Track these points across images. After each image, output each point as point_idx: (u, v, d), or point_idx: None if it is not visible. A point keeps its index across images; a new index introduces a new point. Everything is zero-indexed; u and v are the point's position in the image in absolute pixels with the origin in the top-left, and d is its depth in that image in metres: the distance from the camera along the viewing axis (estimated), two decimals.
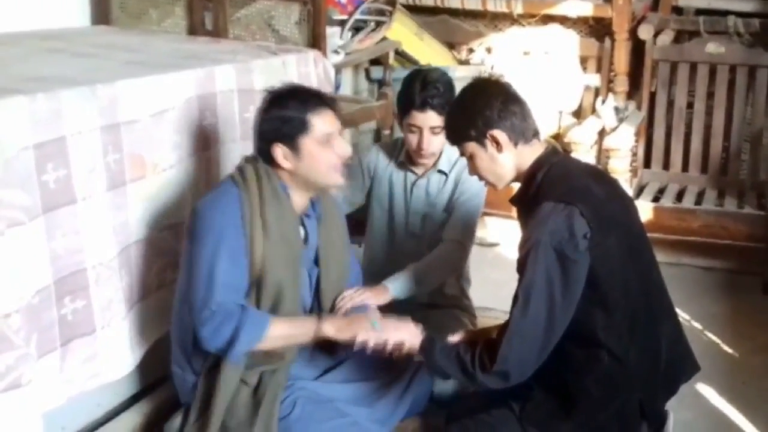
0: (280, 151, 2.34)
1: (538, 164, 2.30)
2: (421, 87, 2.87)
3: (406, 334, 2.36)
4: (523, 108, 2.31)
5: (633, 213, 2.36)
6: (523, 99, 2.34)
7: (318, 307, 2.56)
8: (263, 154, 2.38)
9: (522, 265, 2.21)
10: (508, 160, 2.30)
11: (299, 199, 2.43)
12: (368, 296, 2.63)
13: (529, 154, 2.31)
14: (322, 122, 2.34)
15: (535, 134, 2.33)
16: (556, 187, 2.22)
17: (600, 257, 2.15)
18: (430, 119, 2.87)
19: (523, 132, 2.29)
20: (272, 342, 2.31)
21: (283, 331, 2.33)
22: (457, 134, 2.36)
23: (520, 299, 2.18)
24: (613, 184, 2.40)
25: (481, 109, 2.27)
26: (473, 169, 2.38)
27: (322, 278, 2.54)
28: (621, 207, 2.30)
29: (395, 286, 2.76)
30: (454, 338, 2.43)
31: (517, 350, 2.15)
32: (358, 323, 2.39)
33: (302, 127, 2.32)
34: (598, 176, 2.38)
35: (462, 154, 2.39)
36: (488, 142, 2.28)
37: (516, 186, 2.40)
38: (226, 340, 2.24)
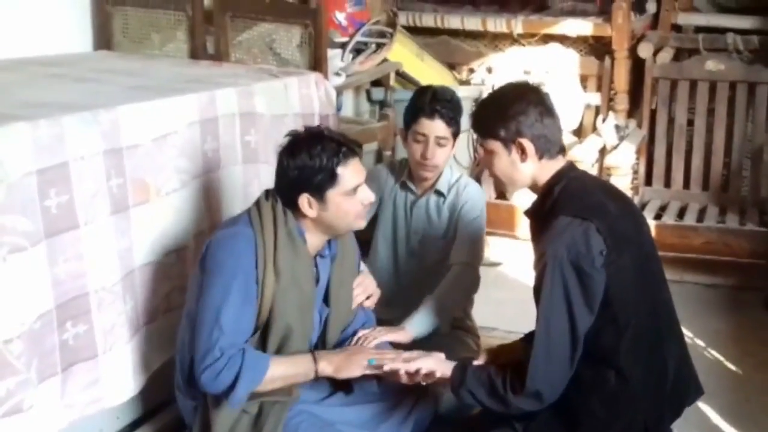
0: (306, 201, 2.30)
1: (556, 178, 2.29)
2: (432, 97, 2.91)
3: (434, 362, 2.36)
4: (555, 122, 2.30)
5: (645, 231, 2.36)
6: (557, 113, 2.33)
7: (322, 344, 2.54)
8: (286, 199, 2.34)
9: (539, 280, 2.19)
10: (528, 170, 2.29)
11: (316, 241, 2.41)
12: (386, 336, 2.63)
13: (549, 168, 2.30)
14: (350, 174, 2.32)
15: (561, 150, 2.32)
16: (572, 203, 2.22)
17: (614, 275, 2.15)
18: (438, 128, 2.89)
19: (550, 148, 2.28)
20: (271, 383, 2.29)
21: (282, 372, 2.31)
22: (485, 128, 2.32)
23: (541, 317, 2.17)
24: (627, 202, 2.40)
25: (517, 114, 2.25)
26: (487, 164, 2.37)
27: (330, 317, 2.52)
28: (634, 225, 2.30)
29: (414, 325, 2.73)
30: (479, 361, 2.43)
31: (545, 368, 2.15)
32: (356, 362, 2.38)
33: (331, 180, 2.29)
34: (614, 194, 2.37)
35: (481, 145, 2.37)
36: (514, 148, 2.26)
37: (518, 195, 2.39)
38: (226, 385, 2.21)
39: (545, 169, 2.30)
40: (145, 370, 2.60)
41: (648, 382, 2.24)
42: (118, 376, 2.48)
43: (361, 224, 2.44)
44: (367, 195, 2.38)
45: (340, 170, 2.29)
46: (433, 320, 2.77)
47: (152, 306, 2.62)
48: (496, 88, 2.44)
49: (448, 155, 2.99)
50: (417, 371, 2.35)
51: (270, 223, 2.32)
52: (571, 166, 2.35)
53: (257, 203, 2.38)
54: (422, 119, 2.90)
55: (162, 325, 2.64)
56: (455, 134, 2.95)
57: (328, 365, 2.36)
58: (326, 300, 2.51)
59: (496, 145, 2.29)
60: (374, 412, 2.52)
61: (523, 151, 2.26)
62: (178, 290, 2.69)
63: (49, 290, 2.22)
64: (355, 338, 2.58)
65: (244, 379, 2.20)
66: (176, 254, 2.68)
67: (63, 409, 2.31)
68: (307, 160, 2.28)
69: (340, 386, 2.51)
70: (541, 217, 2.29)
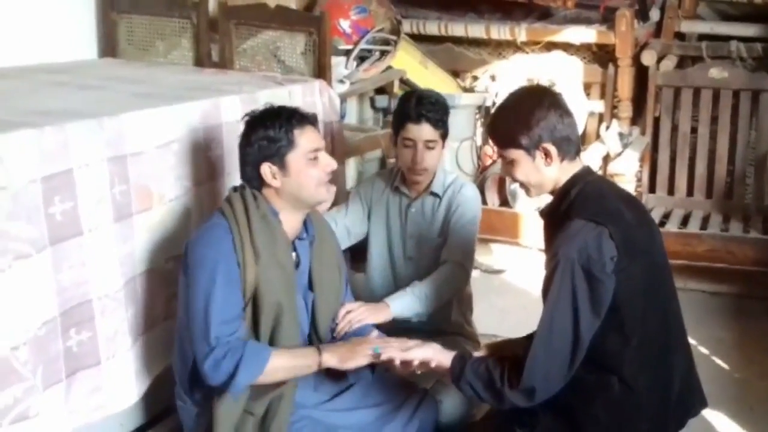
0: (268, 170, 2.36)
1: (573, 181, 2.29)
2: (416, 102, 2.91)
3: (433, 352, 2.36)
4: (573, 123, 2.30)
5: (658, 241, 2.34)
6: (572, 113, 2.32)
7: (315, 332, 2.55)
8: (250, 178, 2.40)
9: (548, 280, 2.19)
10: (552, 173, 2.28)
11: (290, 222, 2.43)
12: (367, 315, 2.64)
13: (568, 170, 2.30)
14: (307, 139, 2.38)
15: (578, 152, 2.33)
16: (588, 206, 2.21)
17: (623, 282, 2.15)
18: (425, 132, 2.90)
19: (571, 149, 2.28)
20: (273, 375, 2.31)
21: (284, 363, 2.33)
22: (506, 139, 2.30)
23: (545, 315, 2.17)
24: (642, 212, 2.39)
25: (539, 121, 2.23)
26: (508, 173, 2.35)
27: (317, 303, 2.53)
28: (648, 234, 2.29)
29: (396, 304, 2.77)
30: (479, 353, 2.42)
31: (542, 366, 2.15)
32: (360, 352, 2.39)
33: (289, 144, 2.35)
34: (629, 201, 2.36)
35: (500, 155, 2.36)
36: (539, 154, 2.25)
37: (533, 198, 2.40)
38: (228, 374, 2.23)
39: (565, 171, 2.29)
40: (146, 376, 2.61)
41: (653, 391, 2.24)
42: (120, 383, 2.49)
43: (325, 195, 2.46)
44: (328, 161, 2.42)
45: (297, 133, 2.36)
46: (416, 306, 2.80)
47: (153, 313, 2.62)
48: (507, 94, 2.41)
49: (439, 157, 3.00)
50: (411, 360, 2.34)
51: (241, 208, 2.36)
52: (588, 170, 2.35)
53: (227, 198, 2.42)
54: (409, 125, 2.92)
55: (163, 332, 2.65)
56: (444, 136, 2.97)
57: (332, 356, 2.37)
58: (311, 286, 2.52)
59: (517, 154, 2.28)
60: (376, 416, 2.52)
61: (547, 155, 2.25)
62: (178, 297, 2.69)
63: (54, 297, 2.23)
64: (340, 315, 2.61)
65: (245, 368, 2.23)
66: (176, 261, 2.68)
67: (67, 416, 2.31)
68: (263, 131, 2.36)
69: (337, 376, 2.52)
70: (556, 218, 2.28)
